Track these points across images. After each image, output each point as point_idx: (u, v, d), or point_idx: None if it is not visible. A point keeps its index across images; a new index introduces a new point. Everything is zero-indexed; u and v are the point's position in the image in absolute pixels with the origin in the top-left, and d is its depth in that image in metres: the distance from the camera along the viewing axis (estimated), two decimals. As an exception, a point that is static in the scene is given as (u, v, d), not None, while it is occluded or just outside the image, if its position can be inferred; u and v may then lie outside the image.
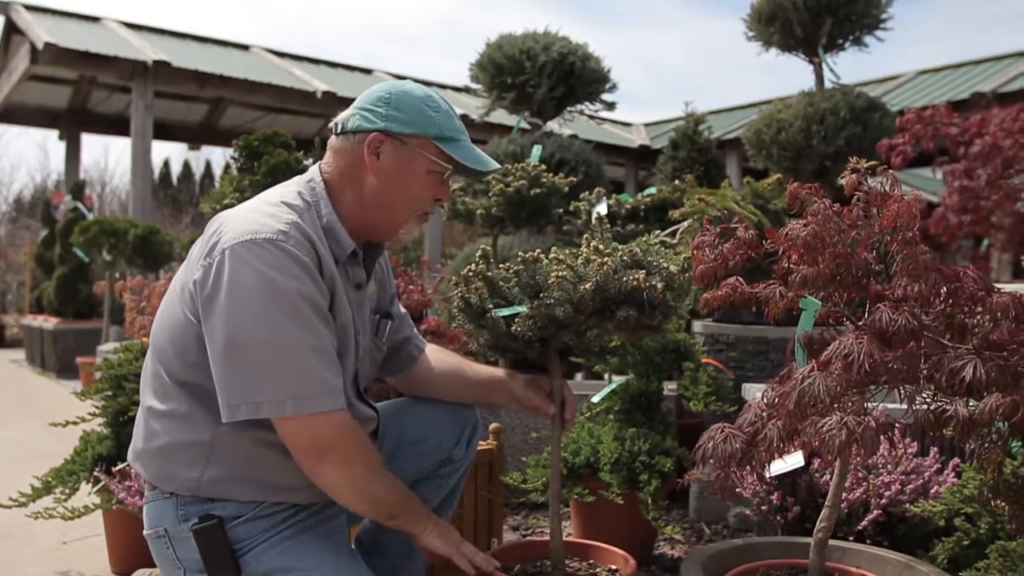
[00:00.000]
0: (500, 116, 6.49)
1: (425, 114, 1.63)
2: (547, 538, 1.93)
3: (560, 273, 1.67)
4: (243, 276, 1.44)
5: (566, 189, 3.74)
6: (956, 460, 2.20)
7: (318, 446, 1.49)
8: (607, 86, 6.14)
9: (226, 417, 1.46)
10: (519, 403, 1.93)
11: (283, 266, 1.45)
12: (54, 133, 13.18)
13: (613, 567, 1.95)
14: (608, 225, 1.92)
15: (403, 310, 1.99)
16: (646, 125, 14.94)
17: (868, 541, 2.07)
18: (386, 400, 2.00)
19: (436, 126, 1.63)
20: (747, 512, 2.42)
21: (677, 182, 4.11)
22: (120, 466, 2.46)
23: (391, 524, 1.63)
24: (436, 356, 2.01)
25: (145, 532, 1.62)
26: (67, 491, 2.51)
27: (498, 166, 1.74)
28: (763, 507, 2.30)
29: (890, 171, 1.49)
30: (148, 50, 9.39)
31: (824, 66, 6.00)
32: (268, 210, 1.54)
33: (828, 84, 6.03)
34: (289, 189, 1.64)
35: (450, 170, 1.66)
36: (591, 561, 2.00)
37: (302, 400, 1.45)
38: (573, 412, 1.93)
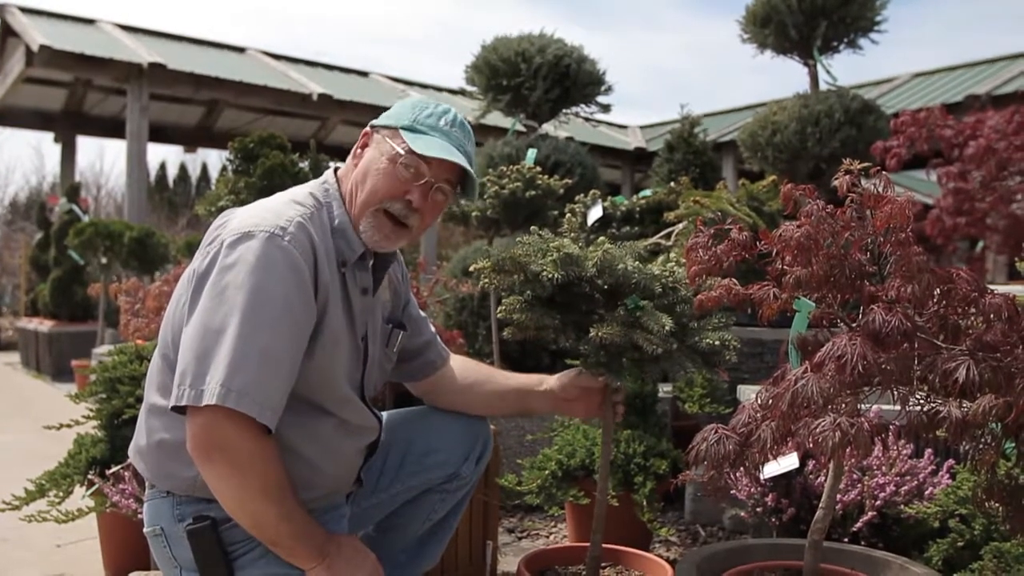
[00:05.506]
0: (496, 118, 6.48)
1: (407, 110, 1.66)
2: (575, 545, 1.91)
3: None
4: (230, 267, 1.45)
5: (561, 191, 3.74)
6: (951, 461, 2.21)
7: (212, 442, 1.40)
8: (602, 88, 6.14)
9: (172, 400, 1.42)
10: (560, 405, 1.91)
11: (269, 262, 1.45)
12: (49, 135, 13.17)
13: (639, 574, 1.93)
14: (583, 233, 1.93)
15: (421, 314, 1.95)
16: (642, 127, 14.93)
17: (863, 542, 2.07)
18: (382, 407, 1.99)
19: (409, 118, 1.64)
20: (742, 514, 2.42)
21: (673, 184, 4.11)
22: (114, 469, 2.45)
23: (274, 550, 1.48)
24: (463, 367, 1.96)
25: (144, 530, 1.62)
26: (61, 494, 2.50)
27: (461, 161, 1.62)
28: (758, 509, 2.30)
29: (884, 173, 1.49)
30: (143, 52, 9.37)
31: (819, 68, 6.01)
32: (273, 206, 1.56)
33: (823, 86, 6.04)
34: (302, 190, 1.66)
35: (402, 155, 1.59)
36: (620, 567, 1.98)
37: (229, 393, 1.37)
38: (623, 396, 1.92)
